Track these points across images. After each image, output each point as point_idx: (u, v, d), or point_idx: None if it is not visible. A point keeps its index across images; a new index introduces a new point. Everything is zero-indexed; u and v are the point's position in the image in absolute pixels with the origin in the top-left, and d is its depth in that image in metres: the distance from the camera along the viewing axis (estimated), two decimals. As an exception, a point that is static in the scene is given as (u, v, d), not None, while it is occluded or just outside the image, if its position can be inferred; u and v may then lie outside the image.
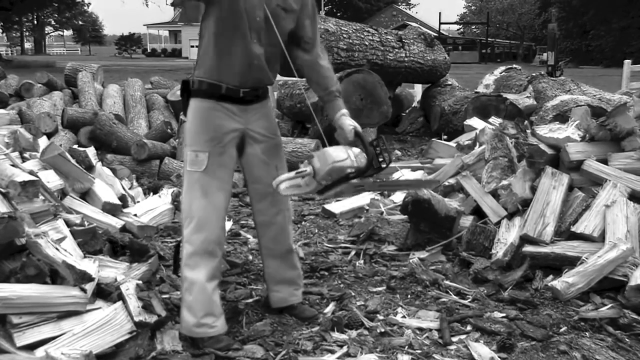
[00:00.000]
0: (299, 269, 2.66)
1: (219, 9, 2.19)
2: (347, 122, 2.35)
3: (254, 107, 2.35)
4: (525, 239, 2.91)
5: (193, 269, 2.27)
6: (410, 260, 3.04)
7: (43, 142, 4.11)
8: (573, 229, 2.91)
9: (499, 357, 2.22)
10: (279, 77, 2.36)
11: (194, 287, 2.27)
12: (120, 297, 2.38)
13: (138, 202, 4.04)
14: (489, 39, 48.24)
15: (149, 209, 3.78)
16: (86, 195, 3.60)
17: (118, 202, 3.61)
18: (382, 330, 2.44)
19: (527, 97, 6.40)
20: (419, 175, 4.52)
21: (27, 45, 58.66)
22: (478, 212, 3.40)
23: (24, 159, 3.50)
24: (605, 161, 3.20)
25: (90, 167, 3.90)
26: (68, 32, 69.42)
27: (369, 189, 2.36)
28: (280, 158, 2.48)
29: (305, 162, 2.21)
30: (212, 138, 2.27)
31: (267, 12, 2.21)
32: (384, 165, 2.22)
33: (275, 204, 2.48)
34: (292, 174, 2.19)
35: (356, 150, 2.23)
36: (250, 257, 3.29)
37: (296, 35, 2.38)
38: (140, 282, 2.57)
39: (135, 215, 3.61)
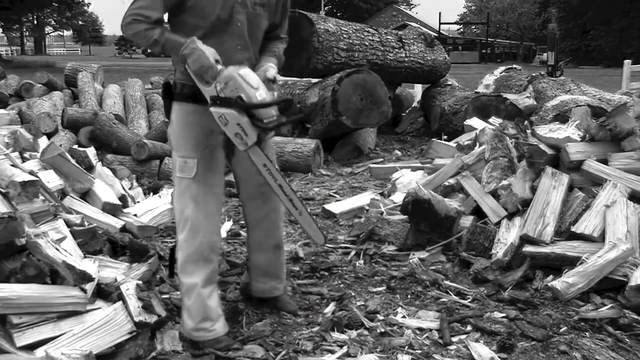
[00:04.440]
0: (284, 263, 2.70)
1: (199, 19, 2.17)
2: (266, 65, 2.31)
3: None
4: (525, 239, 2.91)
5: (189, 275, 2.28)
6: (410, 261, 3.04)
7: (43, 142, 4.12)
8: (573, 229, 2.91)
9: (499, 357, 2.22)
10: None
11: (191, 292, 2.28)
12: (120, 297, 2.38)
13: (138, 202, 4.05)
14: (489, 39, 48.24)
15: (149, 209, 3.78)
16: (86, 195, 3.60)
17: (118, 202, 3.61)
18: (382, 330, 2.44)
19: (527, 97, 6.39)
20: (419, 174, 4.52)
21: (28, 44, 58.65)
22: (478, 212, 3.40)
23: (24, 159, 3.50)
24: (605, 161, 3.20)
25: (90, 168, 3.90)
26: (68, 32, 69.44)
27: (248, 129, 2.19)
28: (270, 156, 2.48)
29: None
30: (199, 143, 2.25)
31: (248, 14, 2.23)
32: (269, 124, 2.16)
33: (266, 202, 2.49)
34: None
35: (270, 93, 2.20)
36: (250, 257, 3.29)
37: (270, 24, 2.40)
38: (140, 282, 2.57)
39: (135, 215, 3.61)
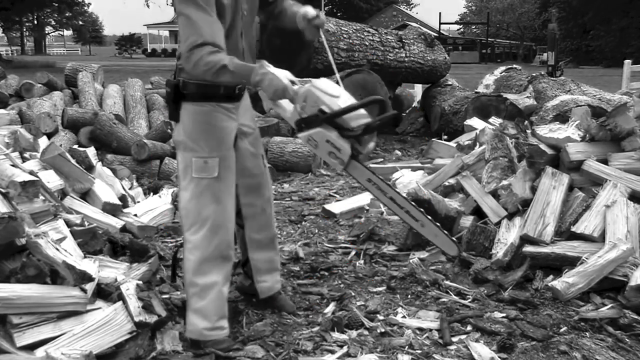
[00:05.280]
0: (279, 250, 2.72)
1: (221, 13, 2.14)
2: (301, 9, 2.19)
3: (241, 102, 2.36)
4: (525, 239, 2.91)
5: (205, 275, 2.24)
6: (411, 261, 3.04)
7: (43, 142, 4.12)
8: (573, 229, 2.91)
9: (499, 357, 2.22)
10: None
11: (209, 292, 2.24)
12: (120, 297, 2.38)
13: (138, 202, 4.05)
14: (489, 39, 48.21)
15: (149, 209, 3.78)
16: (86, 195, 3.60)
17: (118, 202, 3.61)
18: (382, 330, 2.44)
19: (527, 97, 6.39)
20: (419, 174, 4.51)
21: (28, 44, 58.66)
22: (478, 212, 3.40)
23: (24, 159, 3.50)
24: (605, 161, 3.20)
25: (90, 168, 3.90)
26: (68, 32, 69.50)
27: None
28: (262, 148, 2.53)
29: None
30: (220, 143, 2.24)
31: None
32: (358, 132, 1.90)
33: (262, 194, 2.50)
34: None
35: (350, 99, 1.95)
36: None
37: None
38: (140, 282, 2.57)
39: (136, 215, 3.61)
